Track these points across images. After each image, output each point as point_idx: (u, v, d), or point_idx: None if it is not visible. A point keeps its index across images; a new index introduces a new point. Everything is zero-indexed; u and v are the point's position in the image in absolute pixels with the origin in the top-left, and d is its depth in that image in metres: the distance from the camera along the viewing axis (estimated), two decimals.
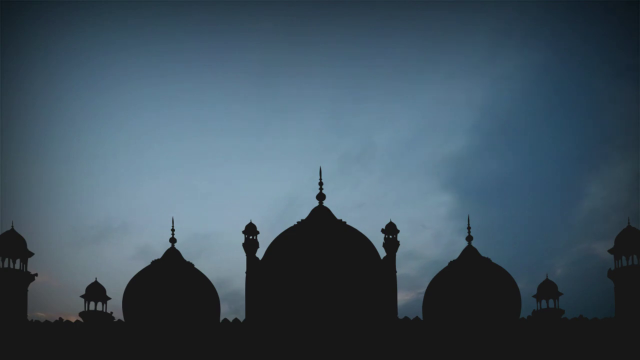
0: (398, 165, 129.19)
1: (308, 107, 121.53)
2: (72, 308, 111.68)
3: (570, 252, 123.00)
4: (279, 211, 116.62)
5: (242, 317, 64.33)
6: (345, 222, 67.09)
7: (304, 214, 68.17)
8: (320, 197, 68.44)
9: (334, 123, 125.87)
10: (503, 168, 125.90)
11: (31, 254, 63.29)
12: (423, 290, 66.55)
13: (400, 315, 63.56)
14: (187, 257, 66.03)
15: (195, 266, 65.52)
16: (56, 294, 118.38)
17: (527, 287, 65.86)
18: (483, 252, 66.37)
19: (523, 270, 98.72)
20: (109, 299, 64.00)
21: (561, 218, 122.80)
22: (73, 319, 63.02)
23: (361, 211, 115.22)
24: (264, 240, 66.57)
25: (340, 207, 68.57)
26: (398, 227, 66.02)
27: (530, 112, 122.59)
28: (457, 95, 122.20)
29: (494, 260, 65.80)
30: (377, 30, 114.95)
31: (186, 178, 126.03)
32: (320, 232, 65.77)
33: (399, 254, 65.45)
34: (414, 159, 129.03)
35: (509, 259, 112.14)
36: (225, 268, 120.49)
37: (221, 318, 64.02)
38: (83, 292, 63.54)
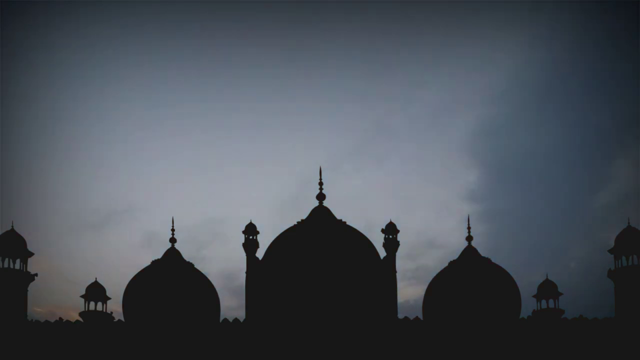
0: (421, 141, 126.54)
1: (310, 103, 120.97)
2: (72, 308, 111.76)
3: (587, 240, 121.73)
4: (279, 211, 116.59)
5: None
6: (345, 222, 67.10)
7: (304, 214, 68.33)
8: (320, 197, 68.41)
9: (345, 106, 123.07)
10: (529, 143, 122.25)
11: (31, 254, 63.32)
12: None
13: (401, 315, 63.71)
14: (187, 256, 66.23)
15: (196, 266, 65.61)
16: (56, 294, 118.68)
17: (527, 287, 65.94)
18: (483, 252, 66.54)
19: (523, 270, 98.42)
20: (109, 299, 64.04)
21: (581, 204, 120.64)
22: (73, 319, 63.15)
23: (368, 204, 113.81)
24: (264, 240, 66.72)
25: (340, 207, 68.80)
26: (420, 211, 65.58)
27: (565, 81, 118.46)
28: (486, 63, 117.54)
29: (494, 260, 65.89)
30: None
31: (186, 178, 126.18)
32: (320, 232, 65.77)
33: (419, 241, 65.29)
34: (437, 133, 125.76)
35: (509, 259, 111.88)
36: (231, 262, 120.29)
37: (226, 313, 64.25)
38: (83, 291, 63.68)
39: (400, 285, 63.98)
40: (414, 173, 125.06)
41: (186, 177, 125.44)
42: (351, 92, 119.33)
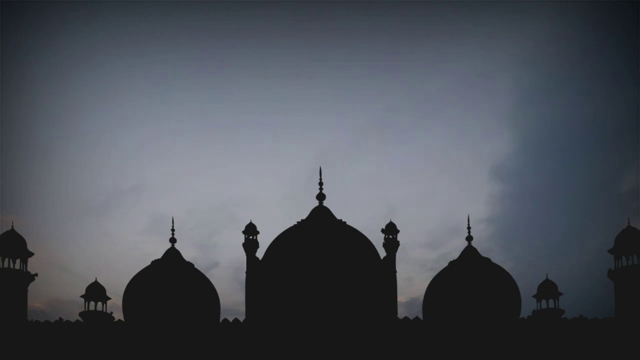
0: (443, 118, 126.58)
1: (312, 100, 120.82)
2: (72, 308, 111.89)
3: (588, 239, 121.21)
4: (279, 211, 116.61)
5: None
6: (345, 222, 67.10)
7: (304, 214, 68.29)
8: (320, 197, 68.42)
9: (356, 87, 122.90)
10: (529, 138, 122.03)
11: (31, 254, 63.31)
12: None
13: (402, 315, 63.76)
14: (187, 256, 66.23)
15: (195, 266, 65.61)
16: (56, 294, 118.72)
17: (527, 287, 65.93)
18: (483, 252, 66.53)
19: (523, 270, 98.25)
20: (109, 299, 64.05)
21: (582, 203, 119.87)
22: (73, 319, 63.14)
23: (377, 199, 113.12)
24: (264, 240, 66.77)
25: (340, 207, 68.81)
26: (447, 193, 64.99)
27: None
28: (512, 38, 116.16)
29: (494, 260, 65.90)
30: None
31: (186, 177, 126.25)
32: (320, 232, 65.77)
33: (446, 227, 64.88)
34: (455, 111, 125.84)
35: (509, 259, 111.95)
36: (234, 260, 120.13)
37: (233, 308, 64.20)
38: (83, 291, 63.67)
39: (420, 277, 64.09)
40: (437, 152, 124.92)
41: (186, 176, 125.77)
42: (356, 81, 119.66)
